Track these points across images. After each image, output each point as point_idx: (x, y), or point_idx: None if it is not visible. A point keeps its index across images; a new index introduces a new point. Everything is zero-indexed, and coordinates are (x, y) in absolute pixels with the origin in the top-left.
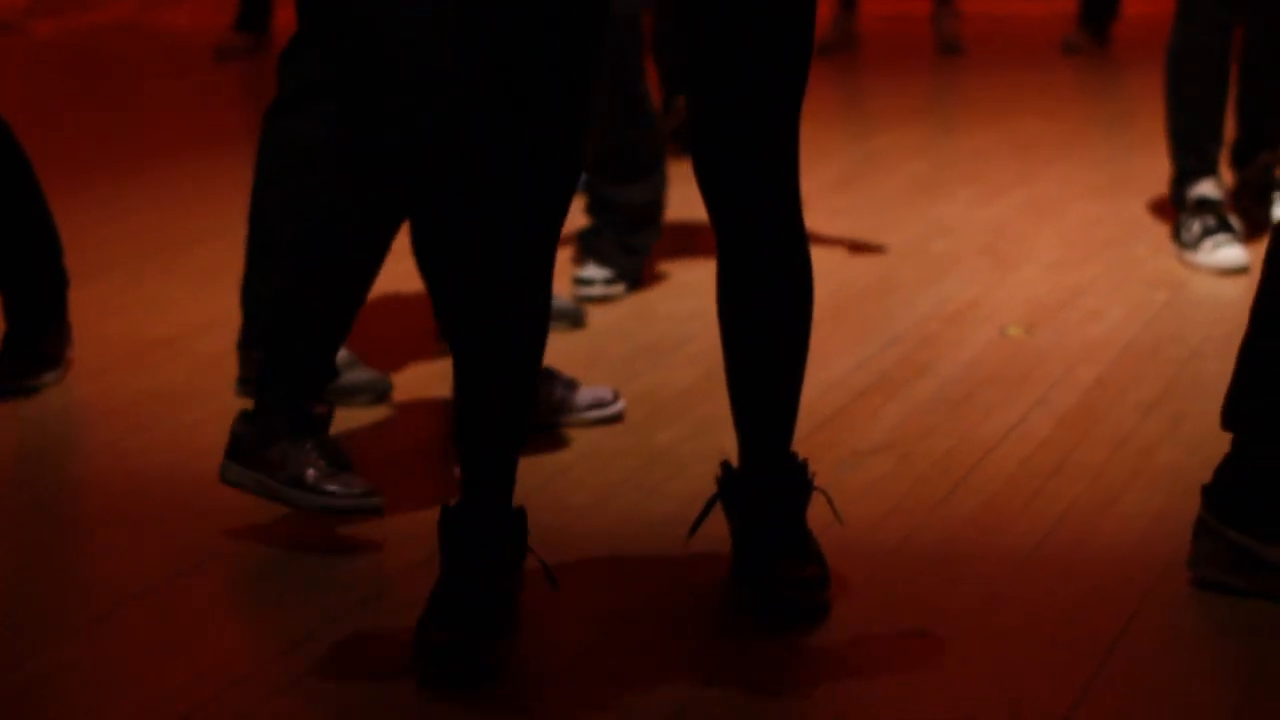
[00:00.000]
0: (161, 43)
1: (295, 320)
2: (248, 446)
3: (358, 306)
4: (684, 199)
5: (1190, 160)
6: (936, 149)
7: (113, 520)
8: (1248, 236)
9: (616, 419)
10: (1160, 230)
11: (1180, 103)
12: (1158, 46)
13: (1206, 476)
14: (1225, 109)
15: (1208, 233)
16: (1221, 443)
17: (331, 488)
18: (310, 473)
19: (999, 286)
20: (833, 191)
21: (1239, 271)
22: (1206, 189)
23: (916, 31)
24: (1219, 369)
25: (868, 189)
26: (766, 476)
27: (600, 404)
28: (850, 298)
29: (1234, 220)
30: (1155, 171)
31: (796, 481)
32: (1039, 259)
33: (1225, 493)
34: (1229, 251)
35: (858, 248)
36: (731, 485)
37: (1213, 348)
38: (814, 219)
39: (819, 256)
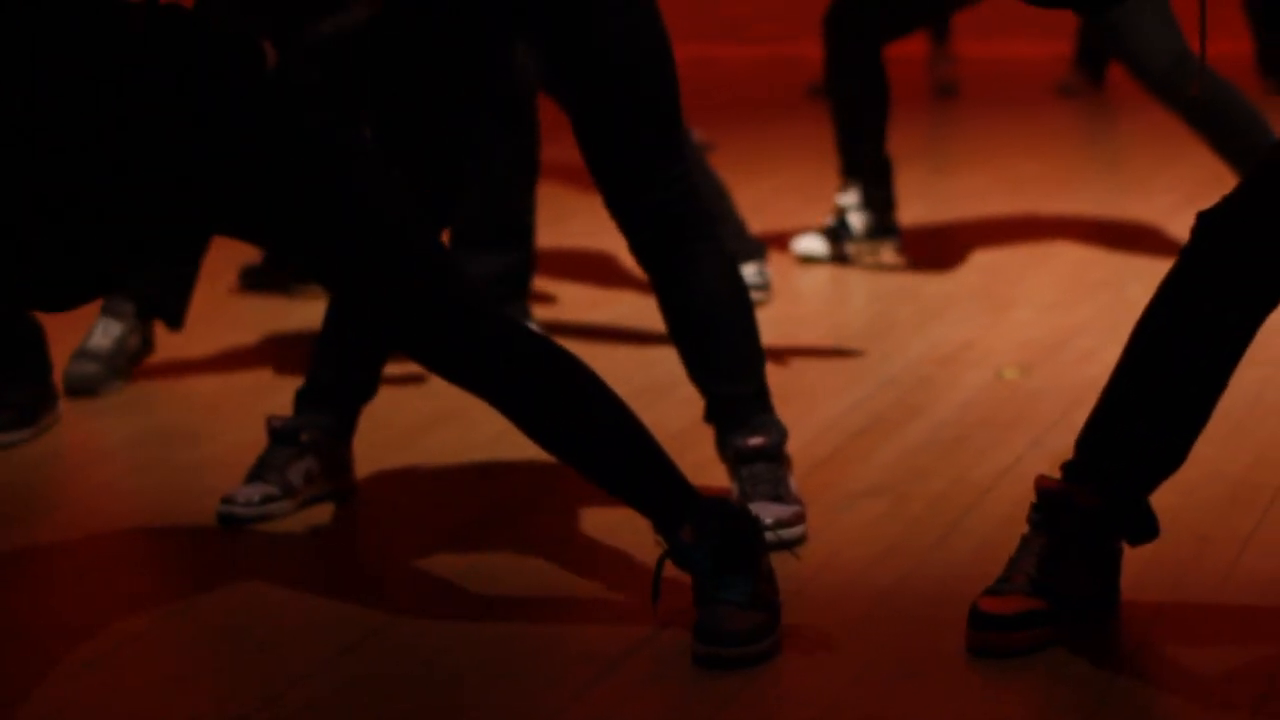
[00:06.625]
0: None
1: None
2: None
3: None
4: None
5: None
6: (931, 191)
7: (109, 561)
8: None
9: None
10: (1155, 271)
11: None
12: None
13: (1202, 518)
14: None
15: None
16: (1216, 484)
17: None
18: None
19: (994, 328)
20: None
21: None
22: None
23: (912, 74)
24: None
25: None
26: (699, 533)
27: None
28: (844, 339)
29: None
30: (1150, 212)
31: (732, 533)
32: (1034, 301)
33: None
34: None
35: (851, 289)
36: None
37: None
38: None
39: (814, 299)
